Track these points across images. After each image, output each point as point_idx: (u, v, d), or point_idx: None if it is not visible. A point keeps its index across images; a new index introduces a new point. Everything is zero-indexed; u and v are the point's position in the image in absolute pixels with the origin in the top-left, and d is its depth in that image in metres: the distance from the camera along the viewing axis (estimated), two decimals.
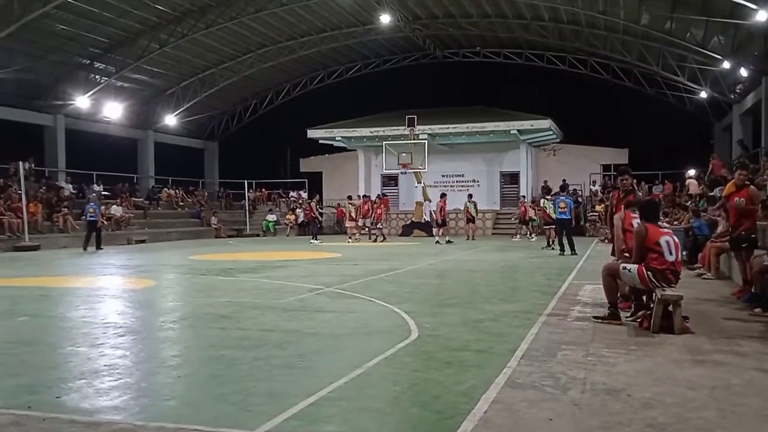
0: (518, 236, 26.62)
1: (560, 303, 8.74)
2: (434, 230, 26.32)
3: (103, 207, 27.06)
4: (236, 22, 27.47)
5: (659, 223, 7.20)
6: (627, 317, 7.32)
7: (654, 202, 8.22)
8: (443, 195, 25.77)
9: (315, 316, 7.93)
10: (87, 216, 22.41)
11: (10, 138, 27.99)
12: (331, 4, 27.78)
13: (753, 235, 9.06)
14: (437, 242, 24.29)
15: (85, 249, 21.63)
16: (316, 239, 25.88)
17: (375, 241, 26.23)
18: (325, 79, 37.49)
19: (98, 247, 21.96)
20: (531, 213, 26.26)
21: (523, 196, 28.71)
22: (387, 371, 5.27)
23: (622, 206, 8.34)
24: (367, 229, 27.48)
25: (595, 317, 7.39)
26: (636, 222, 7.35)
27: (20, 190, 22.60)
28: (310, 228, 27.31)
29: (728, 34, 22.63)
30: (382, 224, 27.46)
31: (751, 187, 9.33)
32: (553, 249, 19.52)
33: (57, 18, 24.10)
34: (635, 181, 9.08)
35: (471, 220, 26.85)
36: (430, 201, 31.33)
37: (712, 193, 16.53)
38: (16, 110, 27.85)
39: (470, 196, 27.29)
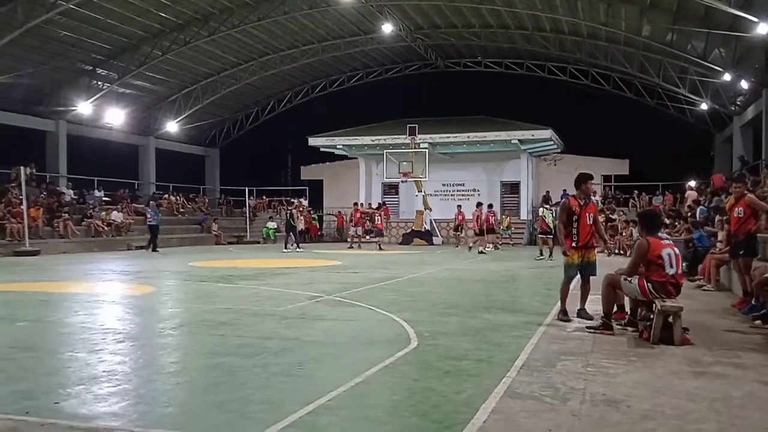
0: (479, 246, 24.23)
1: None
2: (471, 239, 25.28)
3: (104, 213, 27.22)
4: (239, 30, 27.58)
5: (659, 234, 7.20)
6: (617, 326, 7.36)
7: (654, 212, 8.20)
8: (479, 204, 24.85)
9: (314, 324, 7.92)
10: (147, 221, 25.27)
11: (11, 143, 28.07)
12: (333, 12, 27.90)
13: (751, 239, 9.14)
14: (480, 252, 23.16)
15: (153, 250, 24.06)
16: (292, 246, 25.18)
17: (351, 248, 26.69)
18: (327, 87, 37.58)
19: (154, 249, 24.19)
20: (491, 222, 24.70)
21: (479, 204, 25.34)
22: (386, 380, 5.26)
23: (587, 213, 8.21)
24: (358, 237, 28.00)
25: (588, 327, 7.39)
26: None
27: (21, 194, 22.63)
28: (290, 235, 25.93)
29: (729, 46, 22.69)
30: (358, 232, 27.92)
31: (748, 195, 9.50)
32: (550, 259, 19.43)
33: (60, 24, 24.19)
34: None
35: (490, 230, 25.20)
36: (430, 210, 31.41)
37: (714, 204, 16.58)
38: (18, 115, 27.93)
39: (490, 206, 25.91)
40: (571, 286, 8.34)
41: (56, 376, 5.39)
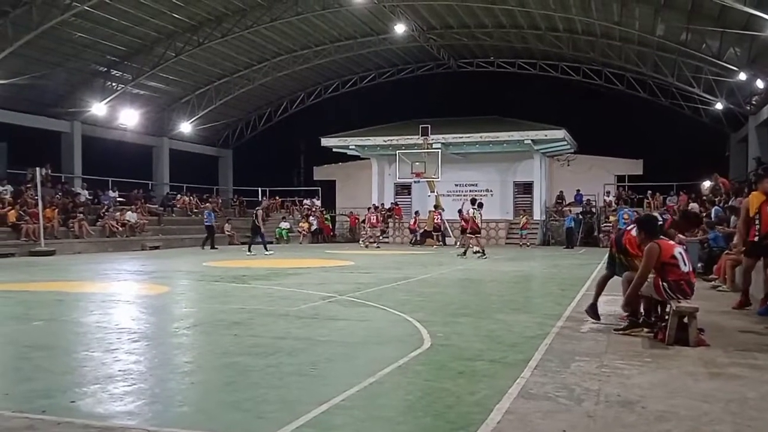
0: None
1: (574, 314, 8.67)
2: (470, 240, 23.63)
3: (118, 213, 27.43)
4: (252, 31, 27.72)
5: (662, 236, 7.15)
6: (616, 330, 7.27)
7: (653, 217, 8.10)
8: (481, 205, 23.72)
9: (327, 324, 7.93)
10: (204, 221, 27.78)
11: (27, 144, 28.31)
12: (346, 13, 27.98)
13: None
14: (477, 252, 22.17)
15: (203, 248, 26.31)
16: (248, 250, 23.09)
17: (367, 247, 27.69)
18: (340, 87, 37.65)
19: (212, 247, 26.40)
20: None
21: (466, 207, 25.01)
22: (399, 380, 5.26)
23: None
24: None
25: (615, 329, 7.29)
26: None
27: (37, 195, 22.83)
28: (256, 238, 24.01)
29: (744, 45, 22.53)
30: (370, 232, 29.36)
31: None
32: (475, 255, 20.88)
33: (75, 26, 24.39)
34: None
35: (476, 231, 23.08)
36: (443, 210, 31.39)
37: (730, 204, 16.43)
38: (33, 117, 28.20)
39: (474, 202, 23.60)
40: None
41: (72, 375, 5.42)
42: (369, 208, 31.67)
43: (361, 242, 29.67)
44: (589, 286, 12.14)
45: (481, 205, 22.68)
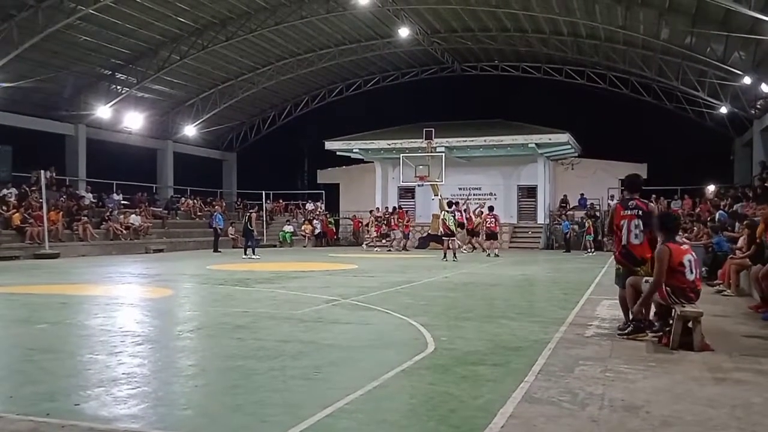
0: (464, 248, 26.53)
1: (578, 318, 8.67)
2: (485, 243, 25.62)
3: (122, 216, 27.47)
4: (256, 34, 27.73)
5: (676, 239, 7.08)
6: (621, 334, 7.22)
7: (672, 215, 7.99)
8: (491, 208, 26.20)
9: (331, 328, 7.93)
10: (210, 225, 28.88)
11: (32, 147, 28.36)
12: (350, 17, 27.99)
13: None
14: (496, 255, 23.72)
15: (215, 251, 26.67)
16: (253, 253, 22.64)
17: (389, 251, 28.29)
18: (344, 91, 37.67)
19: (215, 250, 26.66)
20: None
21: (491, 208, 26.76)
22: (403, 384, 5.26)
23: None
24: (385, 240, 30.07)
25: (620, 334, 7.23)
26: None
27: (41, 198, 22.88)
28: (258, 240, 23.92)
29: (749, 49, 22.49)
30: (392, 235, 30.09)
31: None
32: (454, 260, 20.87)
33: (80, 29, 24.44)
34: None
35: (449, 234, 22.50)
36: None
37: (733, 209, 16.43)
38: (38, 120, 28.25)
39: (450, 204, 24.02)
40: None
41: (76, 378, 5.44)
42: (376, 209, 32.52)
43: (364, 245, 30.32)
44: (593, 290, 12.15)
45: (450, 204, 22.91)
